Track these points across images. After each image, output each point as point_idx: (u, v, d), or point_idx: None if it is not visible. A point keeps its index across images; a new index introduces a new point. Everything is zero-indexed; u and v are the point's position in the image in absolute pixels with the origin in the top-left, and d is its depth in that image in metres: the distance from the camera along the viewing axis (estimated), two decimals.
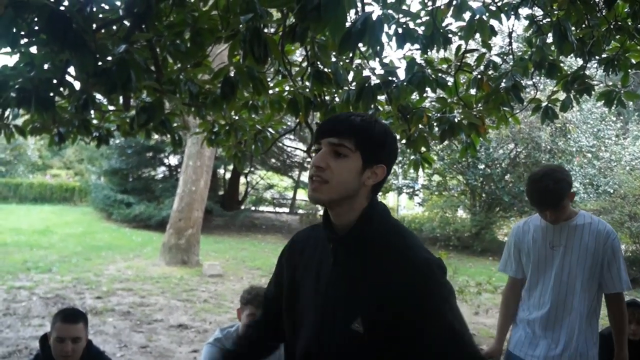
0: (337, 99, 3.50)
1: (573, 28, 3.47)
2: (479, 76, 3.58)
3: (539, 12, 3.62)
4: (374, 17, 1.99)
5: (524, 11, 3.65)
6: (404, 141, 3.83)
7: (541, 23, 3.54)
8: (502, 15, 3.32)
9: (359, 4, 2.83)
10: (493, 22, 3.31)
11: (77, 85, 2.72)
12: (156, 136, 4.37)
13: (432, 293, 1.45)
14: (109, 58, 2.30)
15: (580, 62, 3.99)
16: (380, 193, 1.63)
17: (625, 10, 3.29)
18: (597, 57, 3.71)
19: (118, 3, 2.58)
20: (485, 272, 12.74)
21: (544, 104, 3.87)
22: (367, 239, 1.54)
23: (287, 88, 3.52)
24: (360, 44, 2.22)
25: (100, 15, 2.54)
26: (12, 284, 8.68)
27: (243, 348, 1.98)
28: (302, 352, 1.61)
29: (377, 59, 3.12)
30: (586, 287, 2.88)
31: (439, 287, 1.47)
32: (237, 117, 4.05)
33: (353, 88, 3.09)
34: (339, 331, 1.51)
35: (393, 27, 3.05)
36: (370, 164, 1.52)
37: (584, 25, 3.47)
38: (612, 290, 2.89)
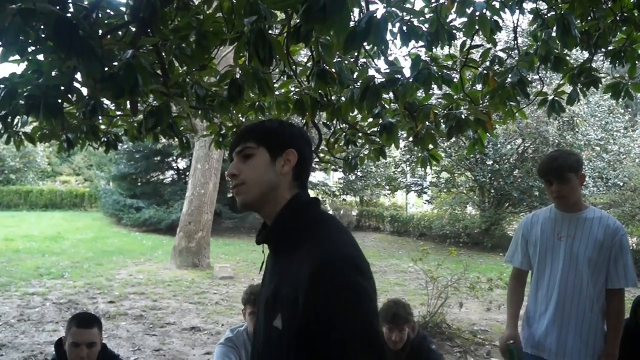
0: (343, 98, 3.50)
1: (578, 21, 3.46)
2: (485, 72, 3.57)
3: (543, 5, 3.61)
4: (379, 15, 1.99)
5: (528, 5, 3.64)
6: (411, 139, 3.82)
7: (546, 17, 3.53)
8: (507, 10, 3.31)
9: (363, 3, 2.84)
10: (496, 18, 3.30)
11: (84, 91, 2.73)
12: (164, 140, 4.39)
13: (333, 293, 1.32)
14: (116, 63, 2.31)
15: (586, 54, 3.97)
16: (313, 188, 1.58)
17: (632, 0, 3.27)
18: (603, 50, 3.70)
19: (123, 9, 2.60)
20: (496, 268, 12.71)
21: (550, 98, 3.86)
22: (289, 234, 1.52)
23: (293, 88, 3.53)
24: (364, 43, 2.22)
25: (106, 21, 2.56)
26: (26, 290, 8.75)
27: None
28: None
29: (382, 57, 3.12)
30: (593, 279, 2.87)
31: (343, 287, 1.33)
32: (244, 119, 4.06)
33: (358, 87, 3.09)
34: (265, 328, 1.48)
35: (397, 24, 3.05)
36: (278, 151, 1.56)
37: (589, 18, 3.45)
38: (615, 286, 2.87)
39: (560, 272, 2.92)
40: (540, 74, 3.89)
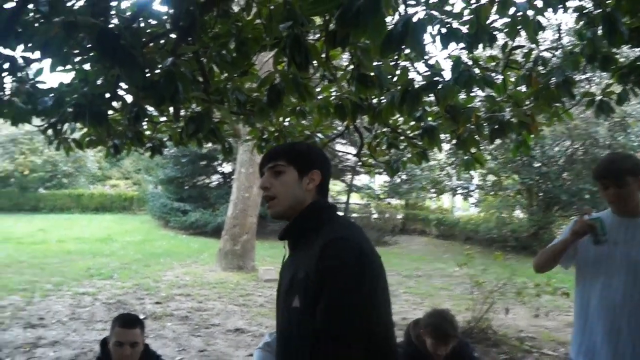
0: (383, 102, 3.49)
1: (627, 18, 3.35)
2: (528, 73, 3.50)
3: (588, 3, 3.51)
4: (415, 19, 1.98)
5: (572, 3, 3.55)
6: (454, 141, 3.78)
7: (591, 14, 3.43)
8: (550, 9, 3.23)
9: (402, 6, 2.82)
10: (539, 17, 3.23)
11: (128, 98, 2.80)
12: (209, 144, 4.46)
13: (338, 256, 1.60)
14: (158, 71, 2.37)
15: (637, 52, 3.85)
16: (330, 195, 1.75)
17: None
18: None
19: (164, 17, 2.65)
20: (545, 273, 12.39)
21: (597, 98, 3.74)
22: (304, 233, 1.78)
23: (333, 93, 3.53)
24: (403, 46, 2.20)
25: (148, 30, 2.62)
26: (77, 290, 9.02)
27: None
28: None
29: (422, 60, 3.09)
30: None
31: (346, 252, 1.61)
32: (286, 123, 4.08)
33: (398, 90, 3.07)
34: (285, 311, 1.73)
35: (437, 26, 3.01)
36: (305, 171, 1.84)
37: (639, 14, 3.34)
38: None
39: (617, 279, 2.72)
40: (587, 74, 3.78)
